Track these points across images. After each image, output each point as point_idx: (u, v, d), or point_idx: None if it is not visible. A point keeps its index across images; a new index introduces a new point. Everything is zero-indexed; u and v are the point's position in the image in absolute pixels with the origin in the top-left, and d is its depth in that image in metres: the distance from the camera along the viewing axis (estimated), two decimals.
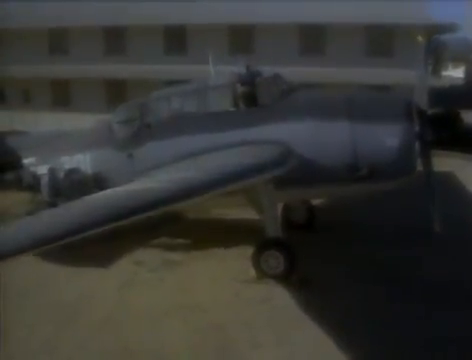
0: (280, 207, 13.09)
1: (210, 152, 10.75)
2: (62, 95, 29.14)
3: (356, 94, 11.82)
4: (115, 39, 27.84)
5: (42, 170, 13.03)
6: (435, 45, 31.34)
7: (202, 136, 11.25)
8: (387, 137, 10.34)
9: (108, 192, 8.75)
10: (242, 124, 11.08)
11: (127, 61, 26.98)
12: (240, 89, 11.39)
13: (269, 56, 24.49)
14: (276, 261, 10.58)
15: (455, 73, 59.42)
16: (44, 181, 12.37)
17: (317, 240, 12.63)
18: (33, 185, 13.21)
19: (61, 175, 12.31)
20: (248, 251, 11.09)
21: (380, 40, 24.45)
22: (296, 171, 9.96)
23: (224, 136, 11.03)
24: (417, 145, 10.45)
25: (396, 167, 10.27)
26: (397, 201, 14.22)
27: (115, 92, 27.95)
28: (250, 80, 11.43)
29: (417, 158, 10.50)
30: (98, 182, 11.94)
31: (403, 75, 19.95)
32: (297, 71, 23.74)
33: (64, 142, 13.36)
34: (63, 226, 7.13)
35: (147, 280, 11.02)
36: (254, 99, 11.35)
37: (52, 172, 12.36)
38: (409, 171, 10.37)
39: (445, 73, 56.33)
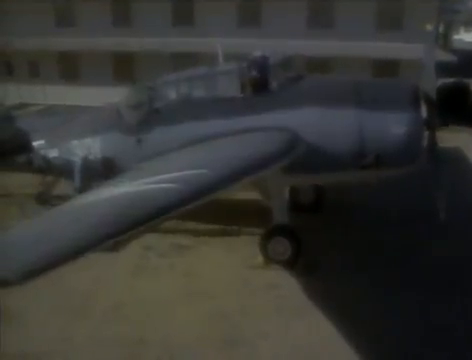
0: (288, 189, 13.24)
1: (218, 138, 10.77)
2: (69, 68, 29.05)
3: (363, 80, 11.75)
4: (122, 11, 27.60)
5: (52, 153, 13.19)
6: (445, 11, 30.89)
7: (210, 122, 11.23)
8: (394, 125, 10.29)
9: (114, 196, 8.17)
10: (250, 110, 11.07)
11: (134, 33, 26.77)
12: (248, 75, 11.37)
13: (277, 29, 24.32)
14: (283, 247, 10.79)
15: (467, 37, 58.82)
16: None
17: (323, 224, 12.78)
18: (43, 167, 13.41)
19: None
20: (256, 235, 11.27)
21: (390, 13, 24.09)
22: (303, 157, 10.01)
23: (232, 122, 11.02)
24: (424, 132, 10.45)
25: (403, 155, 10.26)
26: (404, 183, 14.21)
27: (122, 64, 27.87)
28: (258, 66, 11.39)
29: (424, 146, 10.49)
30: (107, 167, 12.06)
31: (413, 49, 19.75)
32: (305, 44, 23.65)
33: (74, 126, 13.44)
34: (71, 241, 6.92)
35: (156, 266, 11.24)
36: (262, 85, 11.32)
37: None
38: (416, 159, 10.37)
39: (457, 37, 55.86)
